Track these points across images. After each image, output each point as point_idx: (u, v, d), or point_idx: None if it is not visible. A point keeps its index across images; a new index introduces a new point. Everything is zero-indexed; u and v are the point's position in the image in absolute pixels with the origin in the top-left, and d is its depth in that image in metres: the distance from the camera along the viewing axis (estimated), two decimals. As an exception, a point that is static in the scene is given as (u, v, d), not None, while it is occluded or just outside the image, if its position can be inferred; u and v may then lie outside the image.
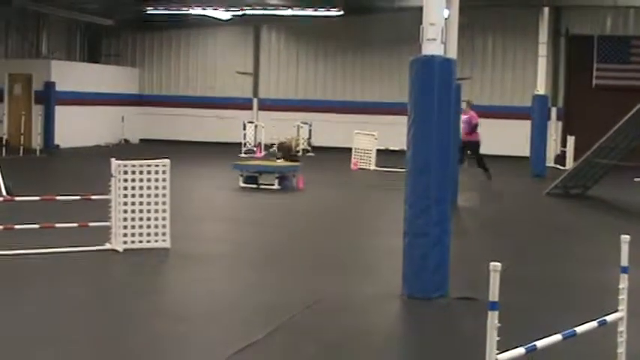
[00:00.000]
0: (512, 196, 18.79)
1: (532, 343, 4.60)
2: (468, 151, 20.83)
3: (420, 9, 8.38)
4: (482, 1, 25.33)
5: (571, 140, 25.38)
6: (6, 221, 10.44)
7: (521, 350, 4.51)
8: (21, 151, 24.66)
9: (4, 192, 14.05)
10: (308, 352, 6.59)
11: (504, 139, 28.06)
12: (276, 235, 12.41)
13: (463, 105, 19.54)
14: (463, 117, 19.66)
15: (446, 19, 8.89)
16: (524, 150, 24.23)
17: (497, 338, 4.30)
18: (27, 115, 26.67)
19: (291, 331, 7.14)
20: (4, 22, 27.92)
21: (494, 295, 4.27)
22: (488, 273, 4.32)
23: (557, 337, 4.82)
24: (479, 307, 7.11)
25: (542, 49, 23.58)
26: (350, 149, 23.86)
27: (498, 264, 4.29)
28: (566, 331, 4.89)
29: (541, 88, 23.36)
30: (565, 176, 18.01)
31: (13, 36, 28.67)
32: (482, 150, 20.05)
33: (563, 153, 26.01)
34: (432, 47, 8.21)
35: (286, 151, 19.25)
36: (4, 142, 23.98)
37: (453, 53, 13.81)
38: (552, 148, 26.32)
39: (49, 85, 27.36)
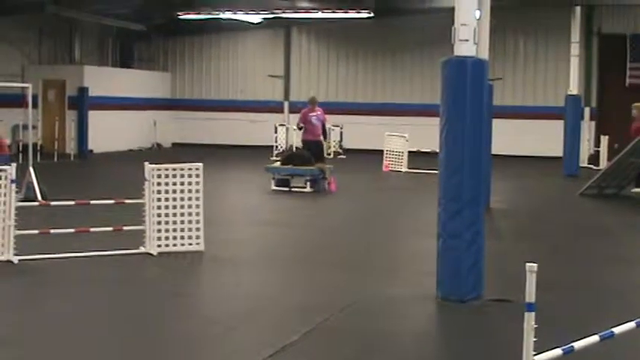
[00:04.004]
0: (545, 196, 18.65)
1: (569, 345, 4.57)
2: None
3: (451, 10, 8.36)
4: (514, 2, 25.19)
5: (604, 140, 25.16)
6: (42, 226, 10.56)
7: (558, 351, 4.49)
8: (55, 156, 24.93)
9: (39, 197, 14.19)
10: (343, 354, 6.59)
11: (537, 139, 27.91)
12: (309, 238, 12.43)
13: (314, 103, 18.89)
14: (317, 113, 18.76)
15: (477, 19, 8.85)
16: (557, 150, 24.05)
17: (534, 339, 4.28)
18: (61, 120, 26.93)
19: (325, 333, 7.14)
20: (38, 28, 28.21)
21: (530, 296, 4.25)
22: (522, 274, 4.31)
23: (595, 338, 4.79)
24: (514, 309, 7.08)
25: (575, 49, 23.38)
26: (381, 151, 23.82)
27: (534, 265, 4.27)
28: (604, 332, 4.85)
29: (574, 88, 23.16)
30: (599, 176, 17.85)
31: (47, 42, 28.96)
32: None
33: (597, 153, 25.79)
34: (464, 48, 8.17)
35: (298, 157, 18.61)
36: (38, 147, 24.22)
37: (484, 54, 13.74)
38: (585, 148, 26.10)
39: (83, 91, 27.59)
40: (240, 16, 28.24)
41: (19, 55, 27.56)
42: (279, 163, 18.85)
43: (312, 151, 18.36)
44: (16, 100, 22.93)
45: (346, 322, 7.53)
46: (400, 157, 23.39)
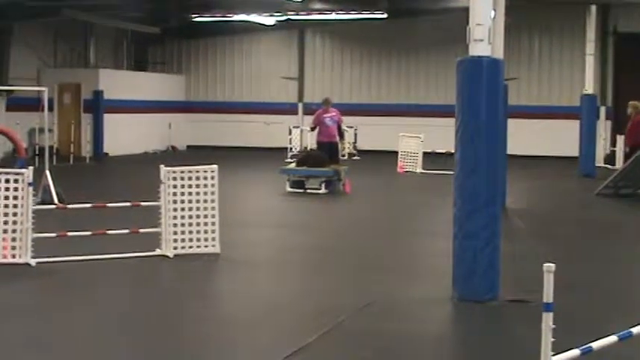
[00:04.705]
0: (561, 196, 18.58)
1: (587, 345, 4.55)
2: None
3: (466, 10, 8.34)
4: (529, 1, 25.10)
5: (621, 140, 25.01)
6: (59, 228, 10.60)
7: (576, 352, 4.46)
8: (71, 159, 25.03)
9: (56, 200, 14.26)
10: (360, 356, 6.58)
11: (553, 139, 27.82)
12: (323, 239, 12.42)
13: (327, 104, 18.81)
14: (332, 114, 18.68)
15: (492, 19, 8.82)
16: (573, 150, 23.95)
17: (552, 339, 4.26)
18: (76, 123, 27.06)
19: (341, 335, 7.13)
20: (53, 32, 28.35)
21: (548, 296, 4.23)
22: (539, 274, 4.29)
23: (613, 338, 4.76)
24: (531, 310, 7.06)
25: (590, 48, 23.26)
26: (396, 152, 23.78)
27: (552, 265, 4.25)
28: (622, 333, 4.83)
29: (589, 88, 23.05)
30: (615, 176, 17.76)
31: (62, 46, 29.10)
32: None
33: (613, 153, 25.65)
34: (479, 48, 8.16)
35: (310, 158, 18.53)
36: (54, 150, 24.33)
37: (499, 54, 13.70)
38: (602, 148, 25.98)
39: (98, 94, 27.70)
40: (254, 18, 28.27)
41: (35, 59, 27.71)
42: (293, 164, 18.86)
43: (326, 152, 18.36)
44: (32, 104, 23.02)
45: (362, 323, 7.51)
46: (415, 158, 23.35)
